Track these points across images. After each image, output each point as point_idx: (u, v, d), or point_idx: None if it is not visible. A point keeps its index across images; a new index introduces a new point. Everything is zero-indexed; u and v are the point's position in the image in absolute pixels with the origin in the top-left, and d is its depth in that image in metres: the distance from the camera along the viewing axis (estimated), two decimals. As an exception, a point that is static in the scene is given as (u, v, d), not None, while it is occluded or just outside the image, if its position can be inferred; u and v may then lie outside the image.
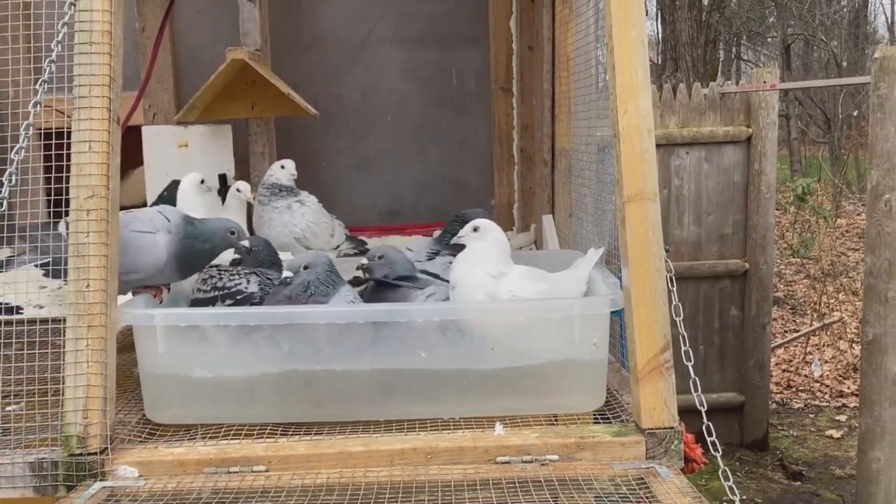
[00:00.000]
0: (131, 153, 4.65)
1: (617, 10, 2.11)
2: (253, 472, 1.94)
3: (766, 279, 5.71)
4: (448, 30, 4.15)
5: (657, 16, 17.39)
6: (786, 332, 7.96)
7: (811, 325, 7.63)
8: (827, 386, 6.84)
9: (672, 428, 1.96)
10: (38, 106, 2.14)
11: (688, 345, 1.96)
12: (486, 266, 2.18)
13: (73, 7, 2.11)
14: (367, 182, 4.22)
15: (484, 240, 2.24)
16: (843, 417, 6.22)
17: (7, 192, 2.10)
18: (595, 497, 1.73)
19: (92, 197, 2.04)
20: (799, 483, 5.33)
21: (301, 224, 3.41)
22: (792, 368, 7.25)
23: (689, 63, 13.95)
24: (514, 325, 2.10)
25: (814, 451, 5.77)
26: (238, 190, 3.09)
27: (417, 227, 4.12)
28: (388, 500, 1.78)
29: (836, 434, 5.95)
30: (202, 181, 2.91)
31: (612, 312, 2.12)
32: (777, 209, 12.37)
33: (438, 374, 2.09)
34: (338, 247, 3.57)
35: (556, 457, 1.94)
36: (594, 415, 2.13)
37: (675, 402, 1.98)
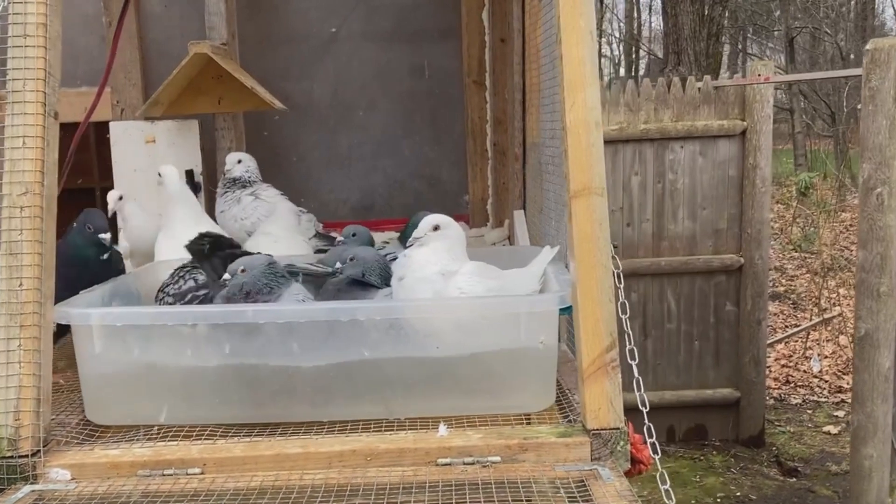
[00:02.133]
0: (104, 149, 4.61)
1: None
2: (188, 474, 1.89)
3: (761, 274, 5.66)
4: (420, 23, 4.09)
5: (660, 9, 17.31)
6: (786, 326, 7.91)
7: (811, 319, 7.58)
8: (826, 381, 6.79)
9: (618, 429, 1.91)
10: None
11: (633, 343, 1.91)
12: (438, 263, 2.13)
13: (6, -1, 2.07)
14: (339, 177, 4.17)
15: (445, 238, 2.19)
16: (841, 413, 6.16)
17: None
18: (530, 501, 1.68)
19: (25, 193, 2.00)
20: (794, 479, 5.28)
21: (252, 217, 3.37)
22: (791, 364, 7.19)
23: (691, 57, 13.84)
24: (460, 322, 2.05)
25: (810, 447, 5.72)
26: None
27: (390, 222, 4.07)
28: (320, 503, 1.74)
29: (833, 430, 5.90)
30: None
31: (563, 310, 2.06)
32: (780, 203, 12.34)
33: (382, 373, 2.04)
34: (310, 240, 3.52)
35: (498, 458, 1.89)
36: (543, 414, 2.08)
37: (622, 402, 1.93)
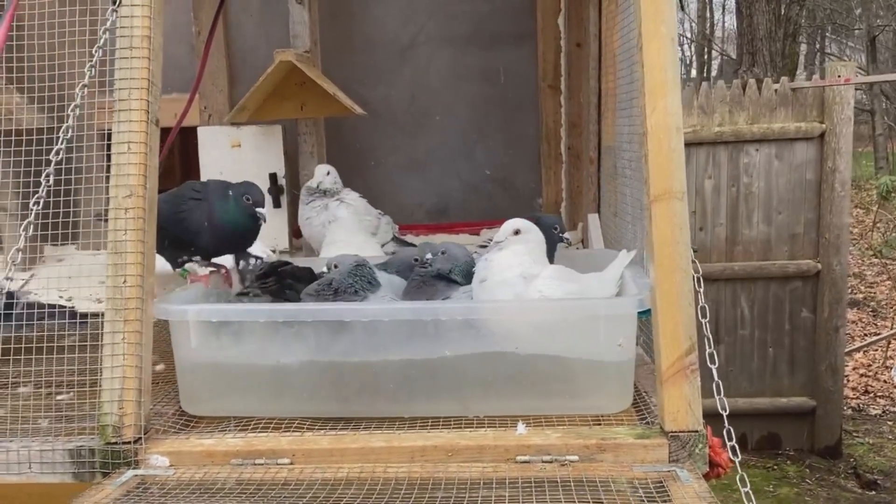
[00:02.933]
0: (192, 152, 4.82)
1: (647, 5, 2.08)
2: (278, 464, 1.99)
3: (839, 281, 5.53)
4: (496, 28, 4.15)
5: (734, 9, 16.92)
6: (865, 335, 7.68)
7: (892, 328, 7.33)
8: (908, 393, 6.59)
9: (696, 431, 1.92)
10: (77, 109, 2.21)
11: (712, 347, 1.91)
12: (520, 266, 2.18)
13: (114, 13, 2.20)
14: (415, 181, 4.25)
15: (526, 242, 2.24)
16: (924, 425, 5.97)
17: (44, 192, 2.18)
18: (609, 499, 1.71)
19: (130, 196, 2.12)
20: (873, 492, 5.13)
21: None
22: (870, 373, 6.98)
23: (766, 58, 13.49)
24: (540, 324, 2.09)
25: (891, 459, 5.55)
26: None
27: (464, 225, 4.14)
28: (404, 495, 1.80)
29: (916, 443, 5.73)
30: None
31: (641, 313, 2.08)
32: (859, 208, 11.95)
33: (461, 372, 2.09)
34: (382, 245, 3.62)
35: (576, 457, 1.92)
36: (621, 416, 2.10)
37: (700, 405, 1.94)
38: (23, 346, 2.62)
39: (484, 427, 2.06)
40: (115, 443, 2.04)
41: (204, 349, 2.17)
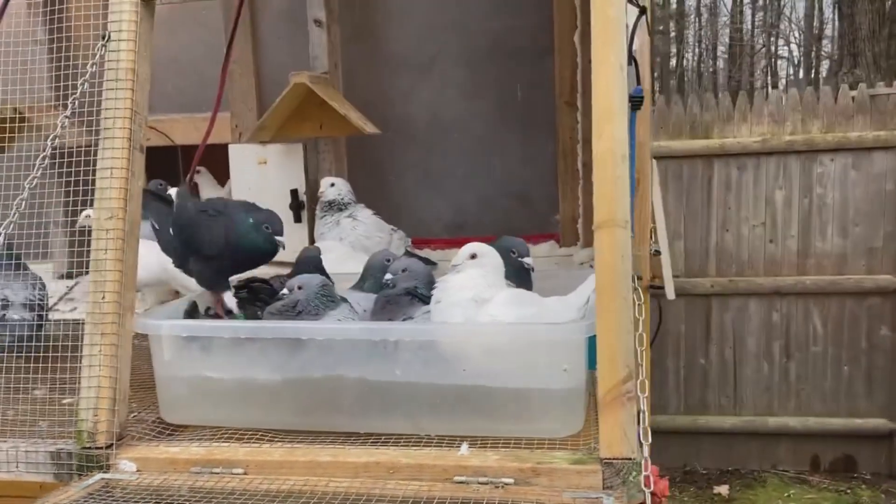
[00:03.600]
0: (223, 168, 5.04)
1: (598, 32, 2.11)
2: (232, 473, 2.10)
3: (922, 298, 5.32)
4: (513, 45, 4.19)
5: (833, 8, 16.15)
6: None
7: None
8: None
9: (630, 459, 1.93)
10: (56, 139, 2.37)
11: (643, 376, 1.92)
12: (473, 289, 2.23)
13: (104, 48, 2.37)
14: (433, 196, 4.33)
15: (481, 266, 2.29)
16: None
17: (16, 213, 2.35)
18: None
19: (111, 218, 2.28)
20: (954, 522, 4.91)
21: (351, 237, 3.60)
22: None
23: (869, 59, 12.88)
24: (487, 347, 2.14)
25: (975, 487, 5.29)
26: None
27: (481, 239, 4.17)
28: (338, 510, 1.89)
29: None
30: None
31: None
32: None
33: (412, 391, 2.16)
34: (395, 260, 3.71)
35: (511, 480, 1.96)
36: (567, 441, 2.13)
37: (636, 433, 1.94)
38: (50, 351, 2.83)
39: (430, 446, 2.12)
40: (90, 447, 2.20)
41: (177, 362, 2.31)
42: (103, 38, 2.37)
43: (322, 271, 2.74)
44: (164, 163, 4.33)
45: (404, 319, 2.31)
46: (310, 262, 2.75)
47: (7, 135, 3.53)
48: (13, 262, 3.26)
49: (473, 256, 2.26)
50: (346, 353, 2.19)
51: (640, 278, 2.06)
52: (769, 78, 21.80)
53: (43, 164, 2.32)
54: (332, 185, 3.55)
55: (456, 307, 2.20)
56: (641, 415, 1.90)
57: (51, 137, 2.35)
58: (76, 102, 2.36)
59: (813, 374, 5.57)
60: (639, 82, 2.45)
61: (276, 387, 2.25)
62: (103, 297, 2.25)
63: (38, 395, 2.70)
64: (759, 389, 5.69)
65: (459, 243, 4.00)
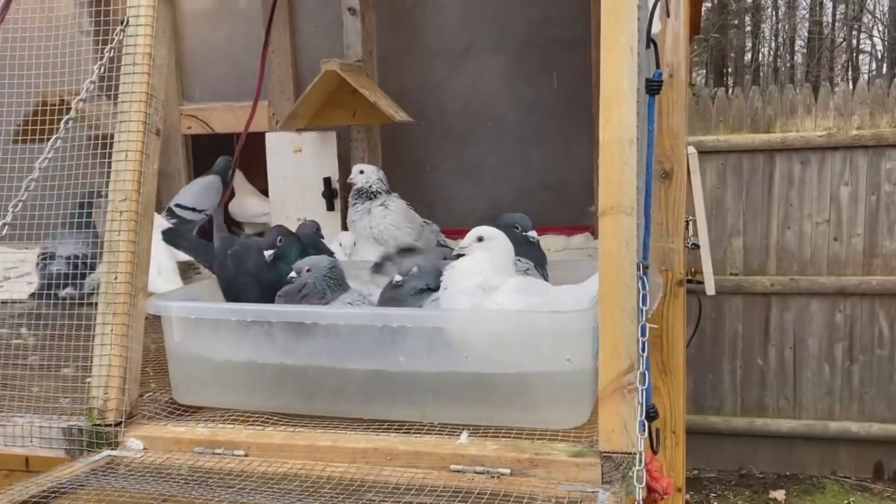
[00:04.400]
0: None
1: (608, 14, 2.05)
2: (233, 455, 2.11)
3: None
4: (550, 34, 4.12)
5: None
6: None
7: None
8: None
9: (630, 453, 1.86)
10: (70, 121, 2.41)
11: (644, 367, 1.85)
12: (479, 275, 2.19)
13: (122, 32, 2.41)
14: (468, 187, 4.29)
15: (488, 249, 2.25)
16: None
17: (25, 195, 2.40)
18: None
19: (125, 200, 2.32)
20: None
21: (380, 226, 3.58)
22: None
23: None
24: (491, 335, 2.10)
25: None
26: None
27: (515, 231, 4.12)
28: (332, 494, 1.87)
29: None
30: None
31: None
32: None
33: (416, 378, 2.13)
34: (424, 251, 3.69)
35: (507, 471, 1.92)
36: (570, 432, 2.07)
37: (637, 426, 1.88)
38: (82, 329, 2.90)
39: (432, 434, 2.09)
40: (99, 425, 2.24)
41: (186, 343, 2.34)
42: (122, 22, 2.41)
43: (319, 246, 2.73)
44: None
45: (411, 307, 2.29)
46: (306, 239, 2.74)
47: (54, 126, 3.64)
48: (80, 220, 3.31)
49: (480, 239, 2.22)
50: (350, 338, 2.17)
51: (646, 266, 1.99)
52: (850, 73, 20.98)
53: (55, 146, 2.37)
54: (362, 172, 3.54)
55: (461, 294, 2.16)
56: (641, 408, 1.83)
57: (64, 121, 2.39)
58: (92, 86, 2.40)
59: (878, 378, 5.37)
60: (658, 66, 2.36)
61: (280, 371, 2.25)
62: (116, 278, 2.28)
63: (66, 372, 2.78)
64: (820, 392, 5.51)
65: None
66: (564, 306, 2.15)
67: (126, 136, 2.35)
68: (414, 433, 2.10)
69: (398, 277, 2.38)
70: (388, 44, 4.22)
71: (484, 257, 2.20)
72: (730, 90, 5.43)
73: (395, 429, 2.14)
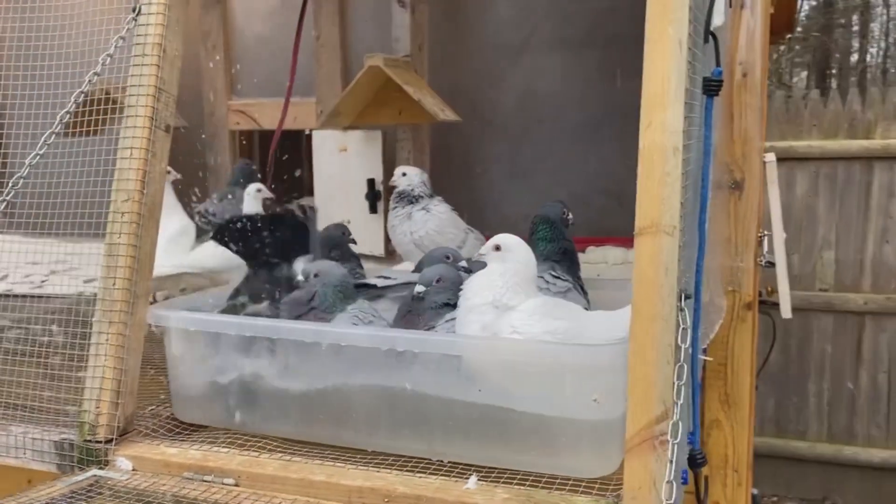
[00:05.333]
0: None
1: (654, 2, 1.77)
2: (223, 483, 1.93)
3: None
4: (613, 29, 3.80)
5: None
6: None
7: None
8: None
9: (659, 516, 1.59)
10: (69, 115, 2.28)
11: (675, 416, 1.57)
12: (493, 293, 1.94)
13: (134, 21, 2.26)
14: (522, 190, 4.02)
15: (503, 261, 2.00)
16: None
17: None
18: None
19: (127, 201, 2.17)
20: None
21: (421, 231, 3.36)
22: None
23: None
24: (505, 366, 1.85)
25: None
26: (258, 190, 3.41)
27: (576, 241, 3.84)
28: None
29: None
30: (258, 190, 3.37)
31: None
32: None
33: (424, 409, 1.91)
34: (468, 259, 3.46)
35: (516, 526, 1.68)
36: (595, 482, 1.81)
37: (669, 485, 1.60)
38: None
39: (439, 474, 1.86)
40: (90, 441, 2.09)
41: (185, 356, 2.17)
42: (133, 10, 2.26)
43: (346, 251, 2.53)
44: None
45: (427, 329, 2.06)
46: (331, 242, 2.55)
47: (100, 116, 3.58)
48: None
49: (497, 248, 1.97)
50: (353, 360, 1.96)
51: (689, 297, 1.70)
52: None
53: (62, 123, 2.24)
54: (404, 174, 3.33)
55: (473, 314, 1.91)
56: (672, 466, 1.55)
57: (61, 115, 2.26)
58: (94, 78, 2.26)
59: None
60: (719, 63, 2.05)
61: (279, 392, 2.06)
62: (114, 284, 2.13)
63: (82, 375, 2.67)
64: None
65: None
66: (593, 336, 1.88)
67: (132, 133, 2.20)
68: (419, 472, 1.87)
69: (419, 289, 2.15)
70: (440, 38, 3.99)
71: (498, 270, 1.95)
72: (829, 92, 5.00)
73: (400, 465, 1.92)
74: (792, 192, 5.23)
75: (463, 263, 2.57)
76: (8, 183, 2.35)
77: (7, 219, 4.65)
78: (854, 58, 19.96)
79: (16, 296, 3.77)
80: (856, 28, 19.65)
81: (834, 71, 19.71)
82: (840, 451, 5.23)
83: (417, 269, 2.69)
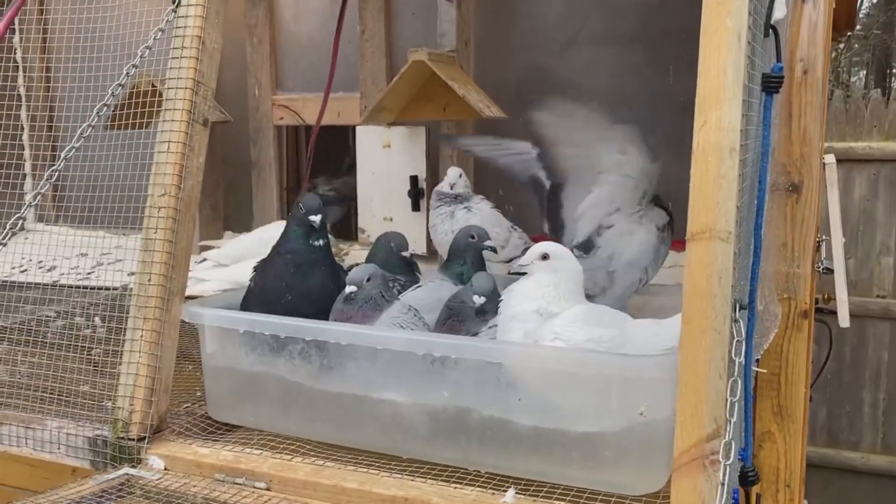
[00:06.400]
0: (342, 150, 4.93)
1: (713, -8, 1.66)
2: (254, 487, 1.89)
3: None
4: (665, 23, 3.66)
5: None
6: None
7: None
8: None
9: (707, 541, 1.49)
10: (106, 108, 2.25)
11: (729, 436, 1.47)
12: (538, 299, 1.86)
13: (173, 13, 2.22)
14: (567, 190, 3.91)
15: (554, 270, 1.91)
16: None
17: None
18: None
19: (164, 195, 2.14)
20: None
21: None
22: None
23: None
24: (545, 374, 1.76)
25: None
26: None
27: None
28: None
29: None
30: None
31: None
32: None
33: (460, 417, 1.83)
34: (510, 260, 3.37)
35: (554, 544, 1.60)
36: (641, 499, 1.71)
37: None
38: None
39: (475, 485, 1.79)
40: (123, 438, 2.07)
41: (219, 355, 2.14)
42: (173, 2, 2.22)
43: (402, 260, 2.48)
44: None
45: (470, 335, 1.98)
46: (381, 252, 2.49)
47: (146, 109, 3.59)
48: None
49: (545, 257, 1.88)
50: (389, 364, 1.90)
51: (744, 307, 1.60)
52: None
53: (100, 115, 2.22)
54: (461, 175, 3.26)
55: (515, 321, 1.83)
56: (723, 489, 1.45)
57: (97, 108, 2.24)
58: (132, 71, 2.23)
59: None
60: (779, 59, 1.93)
61: (315, 394, 2.01)
62: (149, 280, 2.11)
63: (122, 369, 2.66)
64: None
65: (590, 244, 3.53)
66: (641, 346, 1.78)
67: (169, 126, 2.17)
68: (454, 483, 1.80)
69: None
70: (486, 33, 3.90)
71: (548, 280, 1.86)
72: (891, 92, 4.82)
73: (435, 474, 1.85)
74: (849, 195, 5.05)
75: (489, 243, 2.52)
76: (53, 175, 2.32)
77: (56, 212, 4.69)
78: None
79: (62, 286, 3.81)
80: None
81: (895, 70, 19.03)
82: (894, 463, 5.05)
83: (450, 256, 2.64)
